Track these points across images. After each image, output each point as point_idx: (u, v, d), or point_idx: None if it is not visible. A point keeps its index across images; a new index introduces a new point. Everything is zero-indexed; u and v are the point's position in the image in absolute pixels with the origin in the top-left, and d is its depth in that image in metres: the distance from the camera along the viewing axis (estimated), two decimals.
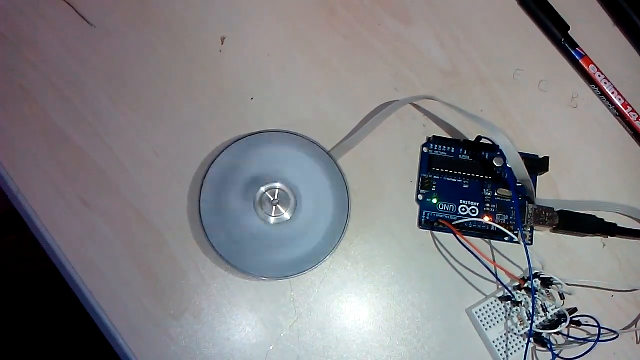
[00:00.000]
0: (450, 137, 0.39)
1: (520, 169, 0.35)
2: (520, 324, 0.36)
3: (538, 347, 0.36)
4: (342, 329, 0.36)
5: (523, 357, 0.35)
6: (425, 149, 0.38)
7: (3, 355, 0.69)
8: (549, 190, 0.39)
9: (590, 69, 0.40)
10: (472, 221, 0.37)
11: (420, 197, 0.38)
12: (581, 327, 0.36)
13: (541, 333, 0.35)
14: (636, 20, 0.41)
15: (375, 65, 0.40)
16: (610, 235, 0.38)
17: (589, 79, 0.40)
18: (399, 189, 0.38)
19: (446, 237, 0.37)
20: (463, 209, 0.38)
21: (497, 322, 0.36)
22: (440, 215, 0.37)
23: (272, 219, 0.35)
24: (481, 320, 0.36)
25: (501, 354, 0.36)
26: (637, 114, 0.40)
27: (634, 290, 0.38)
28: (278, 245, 0.35)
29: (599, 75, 0.40)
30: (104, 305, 0.35)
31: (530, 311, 0.35)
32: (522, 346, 0.36)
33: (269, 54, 0.39)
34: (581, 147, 0.40)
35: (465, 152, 0.38)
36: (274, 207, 0.35)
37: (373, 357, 0.36)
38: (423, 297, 0.37)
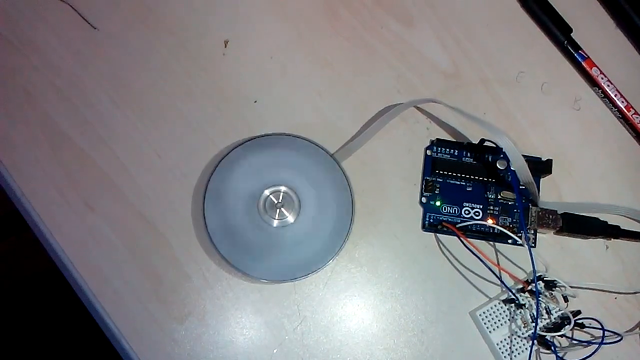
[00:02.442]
0: (453, 139, 0.39)
1: (524, 172, 0.35)
2: (524, 327, 0.36)
3: (542, 350, 0.36)
4: (346, 332, 0.36)
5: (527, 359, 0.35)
6: (428, 152, 0.38)
7: (6, 357, 0.69)
8: (553, 193, 0.39)
9: (593, 72, 0.40)
10: (476, 224, 0.37)
11: (424, 199, 0.38)
12: (585, 329, 0.36)
13: (545, 336, 0.35)
14: (639, 23, 0.41)
15: (378, 68, 0.40)
16: (614, 238, 0.38)
17: (592, 82, 0.40)
18: (402, 192, 0.38)
19: (450, 240, 0.37)
20: (467, 212, 0.38)
21: (501, 324, 0.36)
22: (444, 218, 0.37)
23: (276, 222, 0.35)
24: (485, 323, 0.36)
25: (505, 357, 0.36)
26: None
27: (637, 292, 0.38)
28: (282, 248, 0.35)
29: (602, 78, 0.40)
30: (107, 309, 0.35)
31: (535, 314, 0.35)
32: (526, 349, 0.36)
33: (272, 57, 0.39)
34: (584, 150, 0.40)
35: (468, 154, 0.38)
36: (278, 210, 0.35)
37: None
38: (427, 300, 0.37)
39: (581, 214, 0.38)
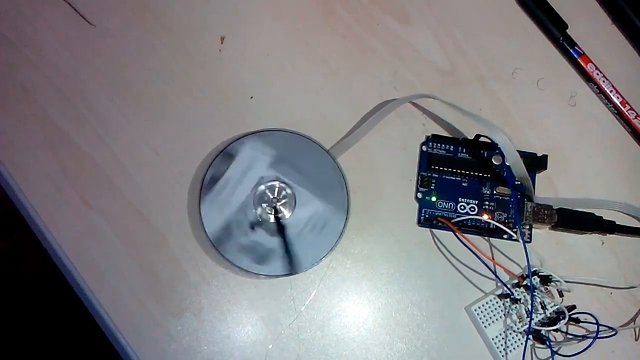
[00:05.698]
0: (449, 135, 0.39)
1: (519, 167, 0.36)
2: (519, 322, 0.36)
3: (537, 345, 0.36)
4: (342, 327, 0.36)
5: (522, 354, 0.35)
6: (424, 148, 0.39)
7: (4, 355, 0.69)
8: (548, 189, 0.39)
9: (589, 68, 0.40)
10: (471, 219, 0.37)
11: (419, 195, 0.38)
12: (580, 324, 0.36)
13: (540, 330, 0.35)
14: (634, 19, 0.41)
15: (374, 64, 0.40)
16: (609, 233, 0.38)
17: (588, 78, 0.40)
18: (398, 188, 0.38)
19: (445, 235, 0.37)
20: (462, 207, 0.38)
21: (497, 319, 0.36)
22: (440, 214, 0.38)
23: (272, 218, 0.36)
24: (480, 318, 0.36)
25: (500, 352, 0.36)
26: (636, 112, 0.40)
27: (632, 287, 0.38)
28: (278, 244, 0.35)
29: (598, 74, 0.40)
30: (105, 305, 0.35)
31: (530, 309, 0.35)
32: (522, 343, 0.36)
33: (269, 54, 0.39)
34: (580, 146, 0.40)
35: (464, 150, 0.38)
36: (273, 205, 0.36)
37: (373, 355, 0.36)
38: (422, 295, 0.37)
39: (576, 210, 0.38)
